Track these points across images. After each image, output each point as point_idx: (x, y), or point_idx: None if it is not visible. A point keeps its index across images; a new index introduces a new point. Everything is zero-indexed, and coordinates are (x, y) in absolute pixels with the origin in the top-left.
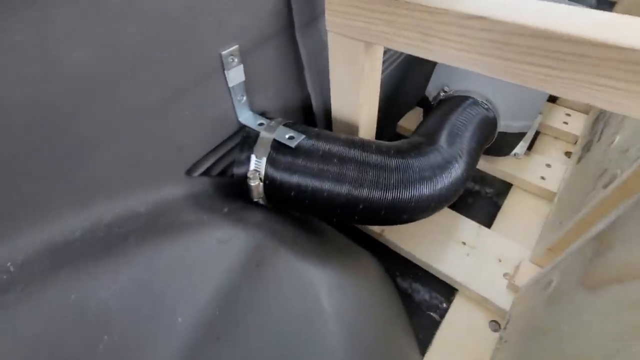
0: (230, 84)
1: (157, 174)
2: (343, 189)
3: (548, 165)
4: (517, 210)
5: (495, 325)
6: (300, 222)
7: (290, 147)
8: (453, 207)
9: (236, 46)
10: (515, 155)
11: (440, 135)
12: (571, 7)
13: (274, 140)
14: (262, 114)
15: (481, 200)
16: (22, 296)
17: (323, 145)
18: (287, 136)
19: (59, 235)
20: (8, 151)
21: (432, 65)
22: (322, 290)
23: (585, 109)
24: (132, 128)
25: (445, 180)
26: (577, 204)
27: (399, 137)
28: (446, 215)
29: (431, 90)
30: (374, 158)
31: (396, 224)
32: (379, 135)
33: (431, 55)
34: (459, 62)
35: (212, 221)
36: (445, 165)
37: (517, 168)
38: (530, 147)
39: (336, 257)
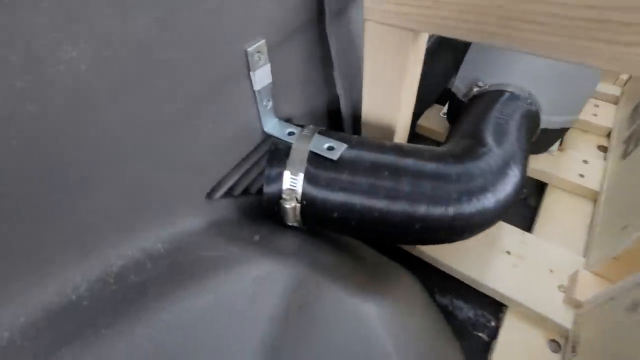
0: (256, 87)
1: (173, 203)
2: (398, 207)
3: (585, 162)
4: (557, 212)
5: (555, 346)
6: (332, 240)
7: (332, 160)
8: None
9: (263, 41)
10: (548, 152)
11: (487, 135)
12: None
13: (311, 152)
14: (288, 121)
15: (515, 202)
16: None
17: (369, 155)
18: (325, 146)
19: (57, 297)
20: None
21: (452, 58)
22: (380, 328)
23: (614, 99)
24: (142, 150)
25: (507, 187)
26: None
27: (418, 137)
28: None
29: (460, 86)
30: (430, 167)
31: (452, 242)
32: None
33: (505, 42)
34: (545, 50)
35: (244, 255)
36: (503, 169)
37: (552, 166)
38: (560, 143)
39: (380, 282)
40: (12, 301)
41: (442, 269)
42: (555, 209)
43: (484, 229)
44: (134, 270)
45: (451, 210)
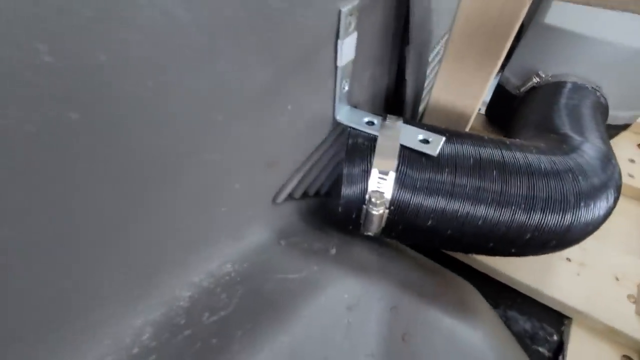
0: (340, 63)
1: (241, 208)
2: (507, 214)
3: (631, 161)
4: (613, 214)
5: None
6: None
7: (429, 156)
8: None
9: (357, 1)
10: None
11: (565, 127)
12: None
13: (402, 146)
14: (355, 106)
15: None
16: None
17: (472, 150)
18: (419, 138)
19: (115, 352)
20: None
21: None
22: (491, 355)
23: None
24: (220, 132)
25: (615, 183)
26: None
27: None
28: None
29: (511, 77)
30: (545, 163)
31: (549, 252)
32: None
33: None
34: None
35: (327, 275)
36: (607, 162)
37: None
38: None
39: (463, 300)
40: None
41: (496, 277)
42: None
43: (584, 238)
44: (207, 305)
45: (567, 218)
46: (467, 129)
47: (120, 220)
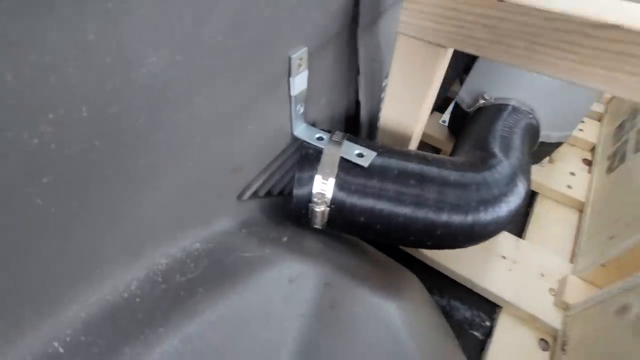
0: (293, 92)
1: (210, 202)
2: (423, 214)
3: (572, 174)
4: (546, 220)
5: (544, 344)
6: (347, 241)
7: (362, 167)
8: None
9: (305, 49)
10: (539, 163)
11: (494, 146)
12: None
13: (342, 158)
14: (313, 125)
15: None
16: None
17: (397, 163)
18: (355, 153)
19: (111, 295)
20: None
21: (453, 69)
22: (403, 327)
23: (598, 116)
24: (198, 149)
25: (516, 197)
26: (630, 220)
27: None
28: None
29: (465, 97)
30: (454, 176)
31: (462, 247)
32: None
33: (533, 65)
34: (572, 76)
35: (277, 257)
36: (512, 179)
37: (543, 176)
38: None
39: (395, 283)
40: (72, 301)
41: (442, 271)
42: (545, 217)
43: (492, 236)
44: (179, 270)
45: (469, 219)
46: (410, 146)
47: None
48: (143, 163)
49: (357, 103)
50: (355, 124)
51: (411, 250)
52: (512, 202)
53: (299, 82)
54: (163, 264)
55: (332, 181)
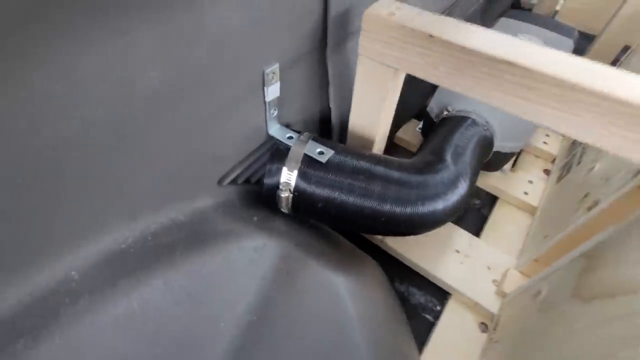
0: (267, 99)
1: (194, 184)
2: (368, 203)
3: (530, 182)
4: (502, 222)
5: (484, 327)
6: (315, 229)
7: (321, 162)
8: None
9: (277, 64)
10: (502, 171)
11: (447, 154)
12: (589, 62)
13: (305, 154)
14: (287, 126)
15: (470, 211)
16: (89, 306)
17: (351, 161)
18: (317, 151)
19: (113, 244)
20: (78, 170)
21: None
22: (347, 297)
23: None
24: (184, 143)
25: (454, 197)
26: (561, 221)
27: (396, 147)
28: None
29: (434, 107)
30: (398, 175)
31: (407, 235)
32: None
33: (460, 88)
34: (488, 99)
35: (247, 231)
36: (454, 183)
37: (503, 183)
38: (514, 164)
39: (349, 263)
40: (80, 247)
41: (403, 261)
42: (502, 219)
43: (436, 227)
44: (165, 234)
45: (408, 210)
46: (374, 148)
47: (130, 185)
48: (142, 151)
49: (330, 109)
50: (329, 126)
51: (378, 242)
52: (450, 200)
53: (272, 91)
54: (153, 227)
55: (295, 173)
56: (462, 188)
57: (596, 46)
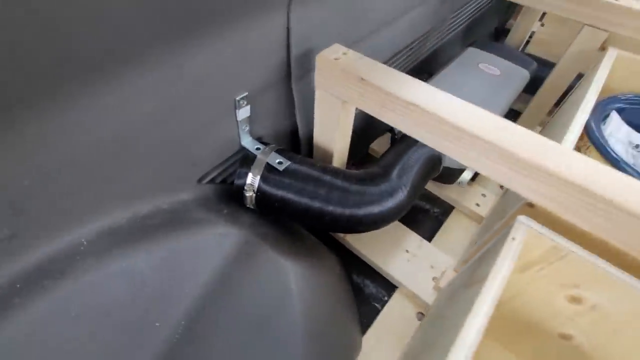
0: (239, 119)
1: (177, 182)
2: (315, 204)
3: (483, 195)
4: (454, 229)
5: (420, 316)
6: (282, 224)
7: (278, 170)
8: (406, 222)
9: (246, 93)
10: (459, 184)
11: (394, 169)
12: (479, 110)
13: (267, 163)
14: (259, 138)
15: (429, 217)
16: (93, 264)
17: (304, 170)
18: (277, 161)
19: (113, 222)
20: (93, 169)
21: None
22: (291, 277)
23: None
24: (170, 151)
25: (390, 204)
26: (485, 231)
27: (370, 157)
28: (398, 227)
29: None
30: (340, 183)
31: (353, 232)
32: (353, 155)
33: (387, 120)
34: (406, 130)
35: (216, 220)
36: (391, 193)
37: (460, 195)
38: (474, 178)
39: (305, 254)
40: (90, 222)
41: (360, 256)
42: (454, 227)
43: (376, 227)
44: (151, 217)
45: (347, 212)
46: (334, 160)
47: (127, 179)
48: (138, 156)
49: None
50: (298, 140)
51: (342, 240)
52: (386, 206)
53: (243, 113)
54: (143, 212)
55: (258, 177)
56: (398, 198)
57: (554, 74)
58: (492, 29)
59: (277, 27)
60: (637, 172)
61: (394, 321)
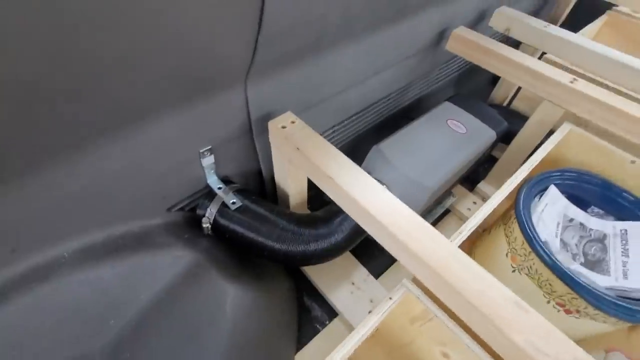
0: (203, 165)
1: (148, 211)
2: (258, 238)
3: None
4: (403, 269)
5: None
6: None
7: (230, 207)
8: (360, 256)
9: (210, 146)
10: None
11: (338, 216)
12: (386, 196)
13: (223, 201)
14: (226, 177)
15: (384, 255)
16: (73, 271)
17: (254, 209)
18: (231, 201)
19: (90, 240)
20: (79, 199)
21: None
22: (228, 298)
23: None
24: (142, 189)
25: (324, 245)
26: None
27: None
28: (351, 261)
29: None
30: (283, 223)
31: (291, 266)
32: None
33: (318, 185)
34: (330, 197)
35: (176, 244)
36: (327, 237)
37: None
38: (437, 222)
39: (252, 278)
40: (71, 240)
41: (313, 284)
42: (402, 267)
43: (311, 263)
44: (122, 238)
45: (284, 248)
46: (290, 200)
47: (107, 204)
48: (117, 193)
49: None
50: (263, 179)
51: (303, 269)
52: (320, 247)
53: (207, 160)
54: (116, 233)
55: (215, 211)
56: (332, 242)
57: (520, 136)
58: (490, 76)
59: (236, 97)
60: (545, 251)
61: (328, 344)
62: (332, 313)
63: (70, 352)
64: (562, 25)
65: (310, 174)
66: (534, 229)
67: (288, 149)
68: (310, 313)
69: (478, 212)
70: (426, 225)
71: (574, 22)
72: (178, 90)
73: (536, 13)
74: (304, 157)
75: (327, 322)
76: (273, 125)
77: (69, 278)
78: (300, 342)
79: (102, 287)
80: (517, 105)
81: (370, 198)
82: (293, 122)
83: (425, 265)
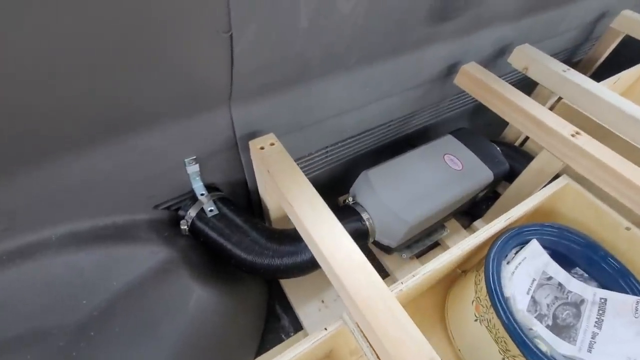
0: (189, 172)
1: (135, 207)
2: (228, 245)
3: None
4: None
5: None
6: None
7: (207, 214)
8: None
9: (194, 156)
10: (402, 256)
11: None
12: (337, 232)
13: (202, 207)
14: (211, 184)
15: None
16: (57, 253)
17: (230, 217)
18: (209, 209)
19: (76, 228)
20: (74, 193)
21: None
22: (193, 297)
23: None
24: (129, 189)
25: (289, 262)
26: None
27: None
28: (324, 279)
29: (350, 194)
30: (253, 235)
31: (257, 275)
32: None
33: (286, 211)
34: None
35: (155, 239)
36: (293, 255)
37: (397, 266)
38: (421, 255)
39: (223, 281)
40: (60, 226)
41: (285, 294)
42: None
43: (279, 277)
44: (106, 228)
45: (249, 258)
46: (270, 214)
47: (101, 198)
48: (107, 190)
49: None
50: (247, 188)
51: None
52: (286, 262)
53: (192, 168)
54: (100, 224)
55: (194, 214)
56: (296, 261)
57: (518, 181)
58: None
59: (222, 115)
60: (503, 307)
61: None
62: (299, 325)
63: (45, 323)
64: (601, 67)
65: (278, 197)
66: (498, 282)
67: (262, 170)
68: (280, 322)
69: (435, 259)
70: (371, 270)
71: (616, 64)
72: (165, 107)
73: (572, 52)
74: (274, 183)
75: (292, 334)
76: (253, 145)
77: (53, 259)
78: (264, 347)
79: (80, 270)
80: (530, 145)
81: (323, 233)
82: (272, 144)
83: (355, 306)
